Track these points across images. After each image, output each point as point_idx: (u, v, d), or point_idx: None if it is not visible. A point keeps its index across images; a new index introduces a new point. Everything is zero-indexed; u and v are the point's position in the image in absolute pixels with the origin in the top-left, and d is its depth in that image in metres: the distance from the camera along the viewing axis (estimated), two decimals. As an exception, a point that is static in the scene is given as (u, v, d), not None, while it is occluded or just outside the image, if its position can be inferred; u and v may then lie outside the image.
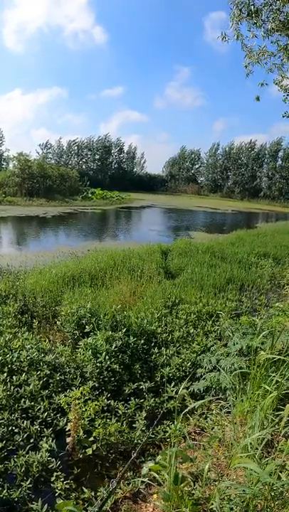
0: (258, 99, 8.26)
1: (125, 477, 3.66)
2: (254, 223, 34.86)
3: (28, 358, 5.10)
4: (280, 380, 3.66)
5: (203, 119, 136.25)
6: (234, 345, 4.90)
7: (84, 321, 6.52)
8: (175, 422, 3.82)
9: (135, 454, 3.63)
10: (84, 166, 71.80)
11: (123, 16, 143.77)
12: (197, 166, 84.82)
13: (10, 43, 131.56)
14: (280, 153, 72.62)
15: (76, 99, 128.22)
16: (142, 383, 5.14)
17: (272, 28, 6.93)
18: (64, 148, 72.15)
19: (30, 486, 3.44)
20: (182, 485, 2.87)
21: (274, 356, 3.85)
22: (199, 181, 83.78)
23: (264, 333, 4.50)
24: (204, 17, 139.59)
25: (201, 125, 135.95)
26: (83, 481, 3.75)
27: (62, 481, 3.57)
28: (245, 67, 7.44)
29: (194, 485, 3.08)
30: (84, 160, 73.51)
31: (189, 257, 12.84)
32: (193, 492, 2.96)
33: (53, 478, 3.60)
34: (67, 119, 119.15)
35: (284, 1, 6.47)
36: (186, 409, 3.48)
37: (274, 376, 3.75)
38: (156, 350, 5.97)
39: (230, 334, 5.48)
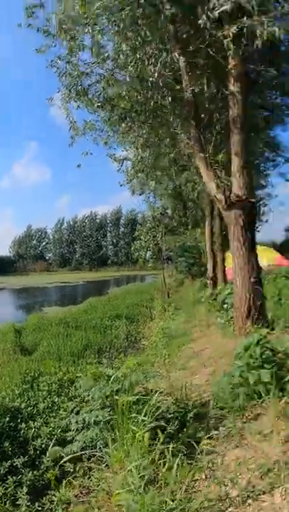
0: (78, 166, 9.40)
1: None
2: (106, 290, 36.43)
3: None
4: (143, 418, 3.93)
5: (48, 194, 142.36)
6: (93, 399, 5.09)
7: None
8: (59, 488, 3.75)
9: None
10: None
11: None
12: (44, 243, 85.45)
13: None
14: (122, 221, 79.20)
15: None
16: (15, 460, 4.84)
17: (98, 105, 8.12)
18: None
19: None
20: None
21: (133, 397, 4.18)
22: (47, 257, 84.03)
23: (113, 377, 4.86)
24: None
25: (46, 201, 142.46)
26: None
27: None
28: (71, 138, 8.59)
29: None
30: None
31: (43, 331, 12.79)
32: None
33: None
34: None
35: (107, 82, 7.75)
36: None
37: (137, 415, 4.03)
38: (23, 425, 5.71)
39: (89, 392, 5.65)
